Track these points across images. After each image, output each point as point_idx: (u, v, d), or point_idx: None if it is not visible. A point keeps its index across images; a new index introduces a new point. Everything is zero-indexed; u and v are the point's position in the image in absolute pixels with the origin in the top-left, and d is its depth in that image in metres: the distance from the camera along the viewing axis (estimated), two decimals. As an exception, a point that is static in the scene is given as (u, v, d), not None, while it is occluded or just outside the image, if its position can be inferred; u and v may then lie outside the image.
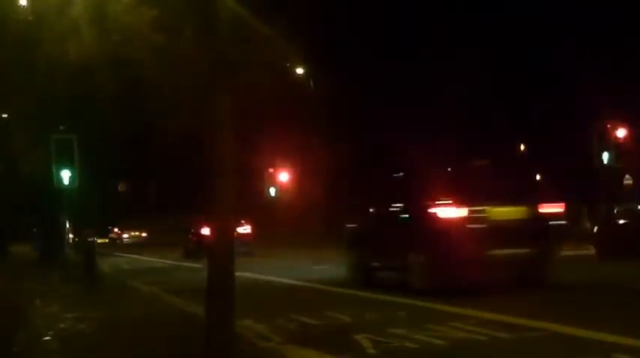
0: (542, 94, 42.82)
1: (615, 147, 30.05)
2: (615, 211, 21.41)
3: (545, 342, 8.31)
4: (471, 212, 12.36)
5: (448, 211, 12.38)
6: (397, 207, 13.99)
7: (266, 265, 23.41)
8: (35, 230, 37.73)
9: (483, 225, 12.32)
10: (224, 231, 7.54)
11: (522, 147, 40.79)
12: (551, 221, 12.93)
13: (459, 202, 12.44)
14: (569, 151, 39.27)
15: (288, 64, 35.53)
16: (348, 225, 16.13)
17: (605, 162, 29.88)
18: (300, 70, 38.02)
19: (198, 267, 19.64)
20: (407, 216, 13.63)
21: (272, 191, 43.33)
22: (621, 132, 30.72)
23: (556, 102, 41.52)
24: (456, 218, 12.35)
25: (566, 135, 39.65)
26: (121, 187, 49.15)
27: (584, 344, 8.00)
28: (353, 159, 43.15)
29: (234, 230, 7.99)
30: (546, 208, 12.95)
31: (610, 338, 8.13)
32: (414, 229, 13.10)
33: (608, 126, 30.27)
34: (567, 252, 22.81)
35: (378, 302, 12.39)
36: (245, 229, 34.52)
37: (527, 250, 12.56)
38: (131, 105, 21.27)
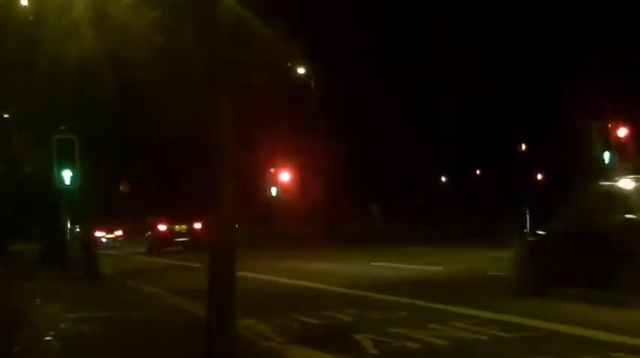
0: (542, 94, 42.81)
1: (616, 147, 30.01)
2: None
3: (545, 342, 8.32)
4: (168, 227, 38.28)
5: (160, 226, 38.40)
6: None
7: (267, 264, 23.38)
8: (35, 230, 37.72)
9: (173, 231, 38.31)
10: (225, 231, 7.53)
11: (523, 147, 40.74)
12: (198, 228, 36.37)
13: (163, 224, 38.81)
14: (569, 151, 39.22)
15: (288, 64, 35.59)
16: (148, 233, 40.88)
17: (606, 162, 29.83)
18: (300, 70, 38.04)
19: (199, 267, 19.63)
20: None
21: (273, 191, 43.33)
22: (622, 132, 30.68)
23: (556, 102, 41.50)
24: (163, 229, 38.50)
25: (566, 135, 39.63)
26: (123, 187, 49.00)
27: (585, 344, 8.00)
28: (353, 159, 43.11)
29: (235, 229, 7.96)
30: (196, 225, 36.80)
31: (610, 337, 8.13)
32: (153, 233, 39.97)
33: (609, 126, 30.23)
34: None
35: (379, 302, 12.38)
36: (118, 232, 53.87)
37: (187, 239, 36.92)
38: (131, 105, 21.27)
